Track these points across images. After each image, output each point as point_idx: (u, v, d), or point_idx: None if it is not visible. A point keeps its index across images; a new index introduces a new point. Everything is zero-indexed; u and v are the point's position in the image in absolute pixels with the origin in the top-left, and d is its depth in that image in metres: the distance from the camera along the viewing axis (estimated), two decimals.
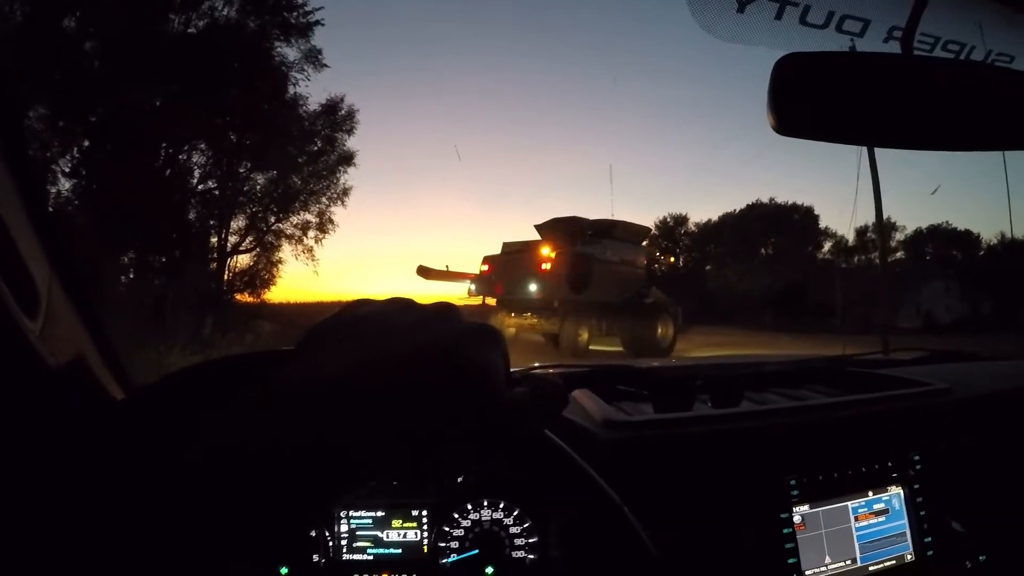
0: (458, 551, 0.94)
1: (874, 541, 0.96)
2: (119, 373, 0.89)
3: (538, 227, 15.10)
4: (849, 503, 0.95)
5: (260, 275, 17.24)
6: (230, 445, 0.32)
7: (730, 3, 0.84)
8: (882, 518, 0.97)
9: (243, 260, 17.33)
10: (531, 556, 0.93)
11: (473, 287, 14.14)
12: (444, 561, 0.94)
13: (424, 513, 0.95)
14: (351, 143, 18.19)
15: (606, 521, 0.53)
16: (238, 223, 17.03)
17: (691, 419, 0.95)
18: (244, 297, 17.01)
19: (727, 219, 35.41)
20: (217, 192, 16.63)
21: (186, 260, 15.29)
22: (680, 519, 0.86)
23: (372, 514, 0.95)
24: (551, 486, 0.55)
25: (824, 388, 1.19)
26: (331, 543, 0.94)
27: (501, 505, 0.94)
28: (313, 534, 0.94)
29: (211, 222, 16.70)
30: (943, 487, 0.99)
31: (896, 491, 0.98)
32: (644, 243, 15.90)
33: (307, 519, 0.71)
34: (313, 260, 17.62)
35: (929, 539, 0.97)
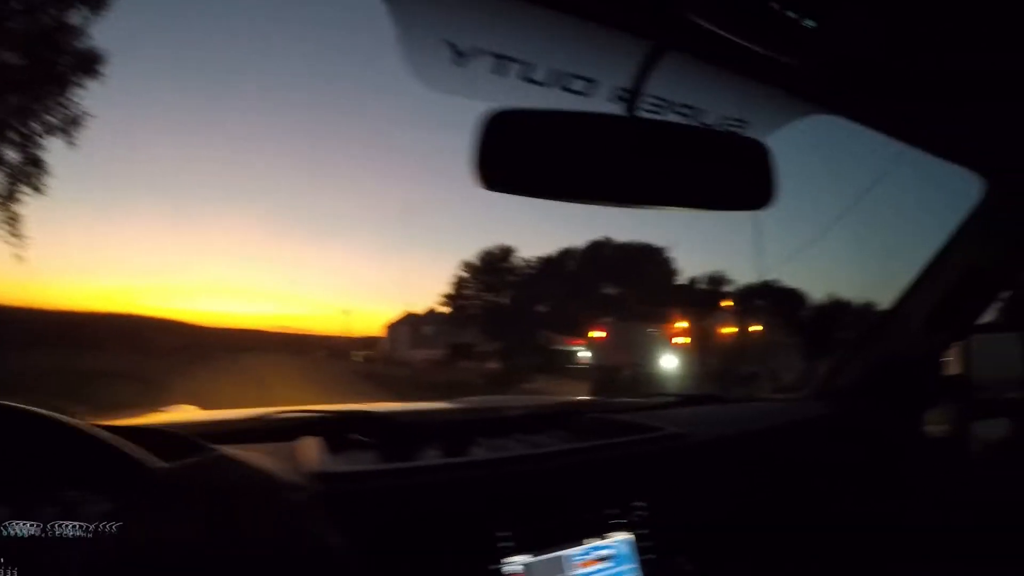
0: None
1: None
2: None
3: (663, 294, 15.10)
4: (570, 551, 0.96)
5: None
6: None
7: (446, 54, 0.82)
8: (608, 563, 0.99)
9: None
10: None
11: (588, 354, 13.78)
12: None
13: None
14: (99, 37, 10.05)
15: None
16: None
17: (410, 470, 0.94)
18: None
19: (570, 256, 31.00)
20: None
21: None
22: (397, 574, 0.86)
23: None
24: None
25: (563, 433, 1.21)
26: None
27: None
28: None
29: None
30: (673, 529, 1.02)
31: (623, 537, 1.00)
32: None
33: None
34: (18, 237, 10.30)
35: None
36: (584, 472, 1.01)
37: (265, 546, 0.76)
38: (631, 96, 0.88)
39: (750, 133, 0.93)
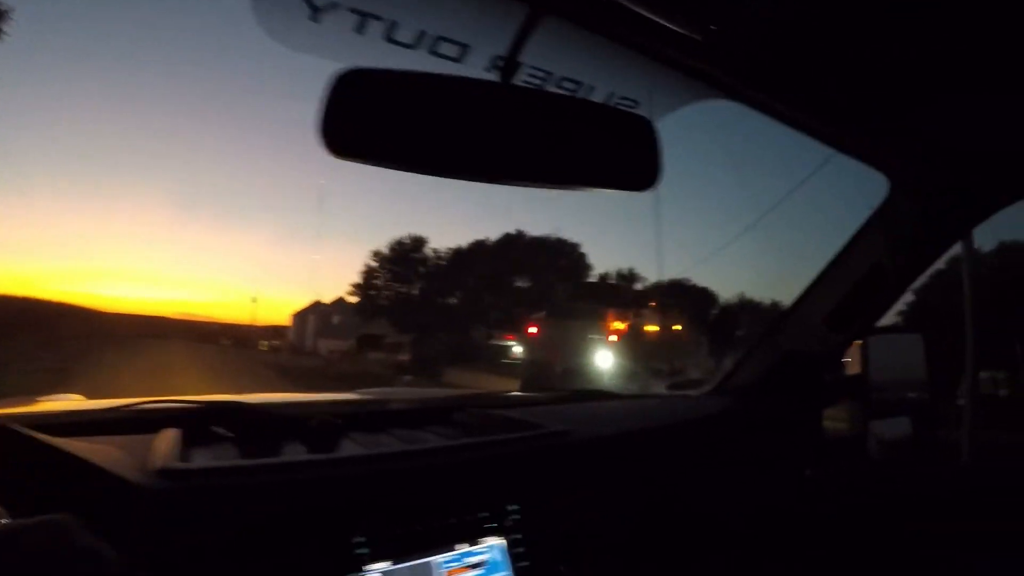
0: None
1: None
2: None
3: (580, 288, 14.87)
4: (436, 558, 0.90)
5: None
6: None
7: (301, 9, 0.73)
8: (480, 571, 0.93)
9: None
10: None
11: (521, 349, 13.52)
12: None
13: None
14: None
15: None
16: None
17: (267, 467, 0.85)
18: None
19: (481, 248, 30.19)
20: None
21: None
22: None
23: None
24: None
25: (445, 430, 1.14)
26: None
27: None
28: None
29: None
30: (549, 533, 0.97)
31: (495, 542, 0.94)
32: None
33: None
34: None
35: None
36: (457, 472, 0.94)
37: None
38: (508, 65, 0.80)
39: (643, 114, 0.87)
